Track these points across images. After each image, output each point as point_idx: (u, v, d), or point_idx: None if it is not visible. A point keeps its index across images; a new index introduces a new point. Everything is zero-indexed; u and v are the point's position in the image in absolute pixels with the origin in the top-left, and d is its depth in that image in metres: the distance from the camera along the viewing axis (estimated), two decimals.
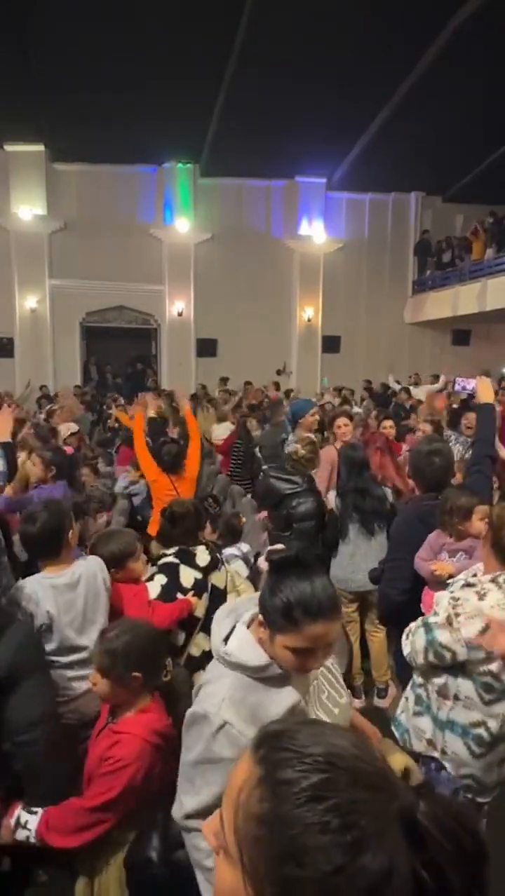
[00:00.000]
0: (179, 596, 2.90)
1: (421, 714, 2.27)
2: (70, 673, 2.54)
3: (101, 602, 2.63)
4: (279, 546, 2.57)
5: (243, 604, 1.61)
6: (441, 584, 3.31)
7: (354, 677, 4.06)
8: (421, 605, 3.17)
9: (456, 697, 2.15)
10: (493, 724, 2.11)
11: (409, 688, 2.43)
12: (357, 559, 4.04)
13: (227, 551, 3.93)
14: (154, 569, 3.03)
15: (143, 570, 2.96)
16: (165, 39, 9.86)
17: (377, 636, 4.13)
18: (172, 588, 2.92)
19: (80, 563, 2.71)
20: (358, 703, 3.92)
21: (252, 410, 8.91)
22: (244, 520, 4.53)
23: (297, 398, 9.12)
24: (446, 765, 2.19)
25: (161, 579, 2.95)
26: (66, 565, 2.63)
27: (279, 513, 4.28)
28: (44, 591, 2.52)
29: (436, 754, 2.21)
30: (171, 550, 3.08)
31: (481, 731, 2.12)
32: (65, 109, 11.99)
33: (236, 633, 1.51)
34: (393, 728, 2.43)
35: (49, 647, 2.51)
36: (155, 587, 2.91)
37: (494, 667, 2.06)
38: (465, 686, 2.13)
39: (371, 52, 10.03)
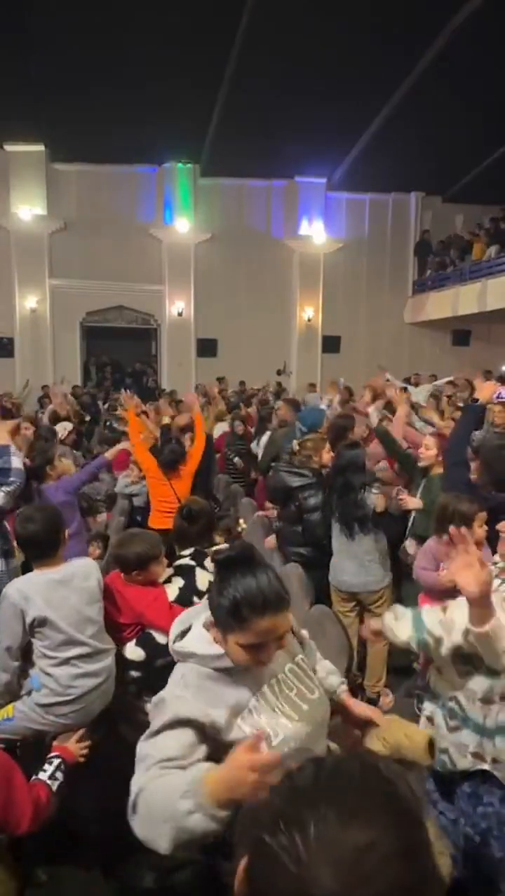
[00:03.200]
0: (195, 599, 2.84)
1: (459, 728, 2.12)
2: (73, 670, 2.55)
3: (96, 603, 2.65)
4: (223, 546, 2.59)
5: (200, 609, 1.64)
6: (442, 594, 3.32)
7: (354, 676, 3.94)
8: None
9: (502, 698, 2.05)
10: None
11: (427, 709, 2.29)
12: (342, 558, 4.05)
13: None
14: (170, 570, 3.02)
15: (162, 573, 2.96)
16: (165, 39, 9.87)
17: (377, 645, 3.99)
18: (189, 591, 2.88)
19: (74, 562, 2.74)
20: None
21: (231, 410, 8.91)
22: (243, 524, 4.55)
23: (292, 398, 9.07)
24: (497, 773, 2.07)
25: (178, 582, 2.94)
26: (60, 564, 2.68)
27: (289, 508, 4.33)
28: (35, 586, 2.56)
29: (486, 766, 2.07)
30: (187, 552, 3.07)
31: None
32: (65, 109, 11.98)
33: (192, 631, 1.56)
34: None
35: (48, 642, 2.54)
36: (173, 590, 2.89)
37: None
38: None
39: (371, 52, 10.04)
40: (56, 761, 2.16)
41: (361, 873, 0.57)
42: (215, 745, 1.43)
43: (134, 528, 5.05)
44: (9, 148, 14.82)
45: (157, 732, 1.38)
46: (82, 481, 4.64)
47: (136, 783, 1.30)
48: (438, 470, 3.96)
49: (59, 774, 2.12)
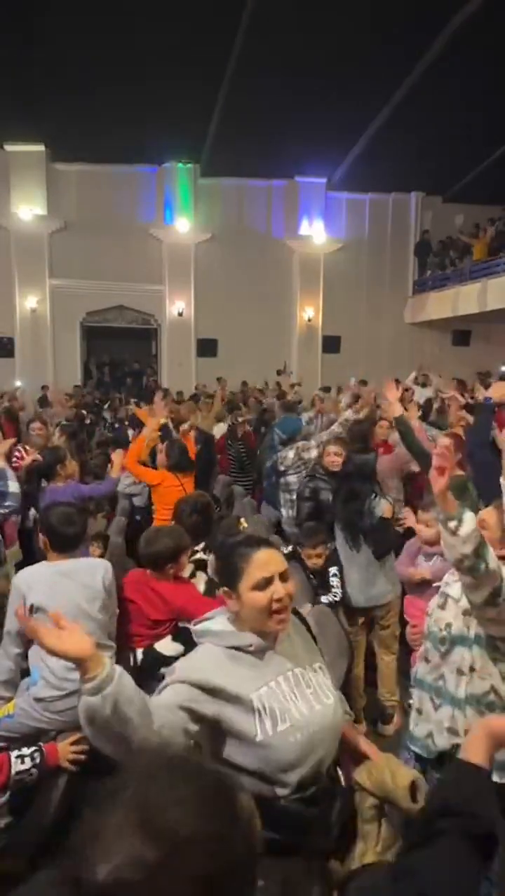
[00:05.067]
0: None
1: (442, 705, 2.23)
2: (69, 663, 2.56)
3: (98, 601, 2.66)
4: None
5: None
6: (420, 589, 3.38)
7: (356, 699, 3.79)
8: (405, 614, 3.25)
9: (472, 669, 2.15)
10: (502, 688, 2.12)
11: (416, 700, 2.38)
12: (347, 568, 3.86)
13: None
14: (190, 566, 3.06)
15: (186, 566, 3.01)
16: (165, 39, 9.87)
17: (386, 658, 3.95)
18: (215, 583, 2.90)
19: (83, 559, 2.81)
20: (361, 728, 3.72)
21: (230, 410, 8.90)
22: (244, 524, 4.55)
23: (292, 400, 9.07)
24: None
25: (203, 576, 2.99)
26: (69, 558, 2.75)
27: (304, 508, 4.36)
28: (39, 575, 2.66)
29: (459, 740, 2.13)
30: (199, 546, 3.11)
31: (492, 697, 2.13)
32: (65, 109, 11.99)
33: (213, 618, 1.70)
34: (409, 745, 2.36)
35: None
36: (200, 584, 2.94)
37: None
38: (477, 654, 2.15)
39: (371, 52, 10.03)
40: (34, 749, 2.20)
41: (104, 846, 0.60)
42: (212, 732, 1.47)
43: (134, 528, 5.07)
44: (9, 148, 14.83)
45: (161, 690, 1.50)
46: (92, 495, 4.64)
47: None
48: (457, 472, 3.94)
49: (28, 760, 2.14)
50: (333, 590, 3.72)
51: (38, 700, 2.57)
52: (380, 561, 3.85)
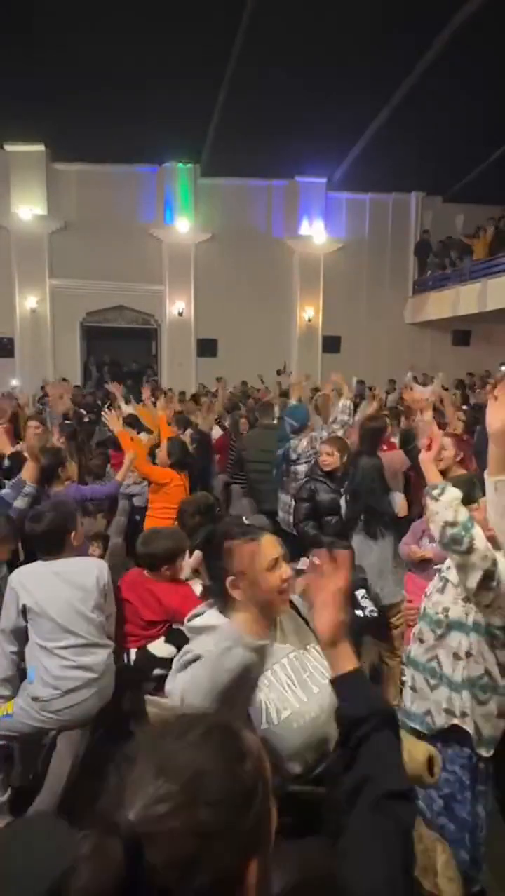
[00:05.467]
0: None
1: (438, 686, 2.31)
2: (64, 662, 2.58)
3: (92, 600, 2.67)
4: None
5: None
6: (421, 569, 3.44)
7: None
8: (404, 589, 3.31)
9: (468, 654, 2.22)
10: (495, 671, 2.21)
11: (409, 678, 2.47)
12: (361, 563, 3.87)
13: None
14: (189, 568, 3.06)
15: (184, 568, 3.01)
16: (166, 39, 9.87)
17: (391, 663, 3.95)
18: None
19: (77, 559, 2.79)
20: None
21: (230, 410, 8.90)
22: (247, 522, 4.53)
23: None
24: (465, 727, 2.22)
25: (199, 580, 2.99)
26: (66, 558, 2.74)
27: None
28: (33, 574, 2.66)
29: (456, 720, 2.25)
30: None
31: (486, 679, 2.22)
32: (65, 109, 11.98)
33: (205, 613, 1.70)
34: (405, 720, 2.40)
35: (39, 630, 2.60)
36: (197, 587, 2.93)
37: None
38: (474, 640, 2.22)
39: (371, 52, 10.03)
40: None
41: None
42: None
43: (134, 528, 5.07)
44: (9, 148, 14.83)
45: (185, 668, 1.49)
46: (93, 496, 4.64)
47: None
48: (459, 471, 3.93)
49: None
50: (367, 609, 3.50)
51: (35, 699, 2.57)
52: (394, 561, 3.86)
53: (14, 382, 13.82)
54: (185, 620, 1.73)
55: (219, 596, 1.66)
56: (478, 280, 14.09)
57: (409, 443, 4.66)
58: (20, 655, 2.67)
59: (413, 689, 2.43)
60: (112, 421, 5.21)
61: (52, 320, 15.76)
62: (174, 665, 1.58)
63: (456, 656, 2.25)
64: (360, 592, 3.54)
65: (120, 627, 2.89)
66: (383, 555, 3.83)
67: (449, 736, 2.28)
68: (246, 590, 1.61)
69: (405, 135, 12.42)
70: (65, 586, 2.63)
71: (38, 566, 2.73)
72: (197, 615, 1.71)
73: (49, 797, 2.59)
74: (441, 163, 14.36)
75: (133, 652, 2.80)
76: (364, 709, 1.15)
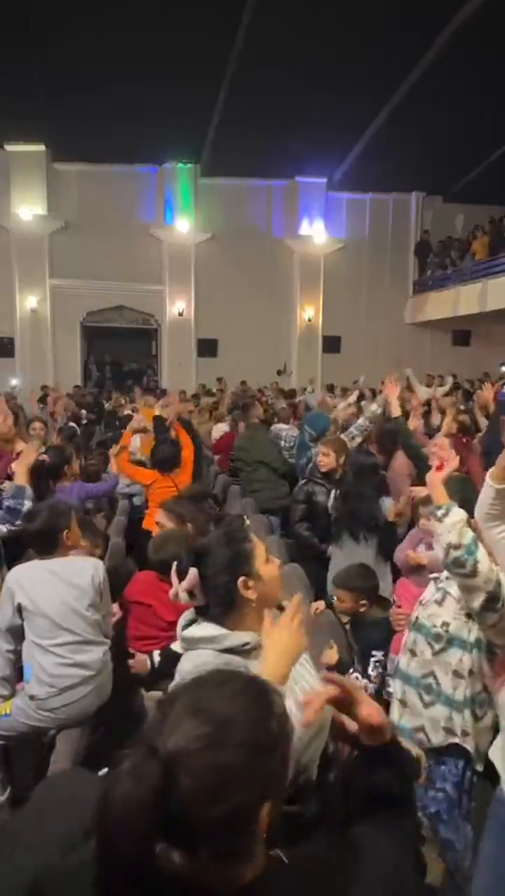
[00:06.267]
0: None
1: (434, 703, 2.25)
2: (60, 660, 2.59)
3: (87, 599, 2.68)
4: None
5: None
6: (415, 574, 3.42)
7: None
8: (394, 595, 3.29)
9: (471, 672, 2.18)
10: (490, 684, 2.17)
11: (398, 692, 2.39)
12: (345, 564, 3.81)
13: None
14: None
15: None
16: (165, 39, 9.87)
17: None
18: None
19: (74, 558, 2.81)
20: None
21: (231, 411, 8.88)
22: (248, 522, 4.52)
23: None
24: (466, 746, 2.18)
25: None
26: (62, 557, 2.76)
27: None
28: (29, 573, 2.68)
29: (456, 739, 2.20)
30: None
31: (483, 695, 2.19)
32: (65, 109, 11.99)
33: (197, 623, 1.65)
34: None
35: (35, 628, 2.60)
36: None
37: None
38: (476, 658, 2.18)
39: (371, 52, 10.03)
40: None
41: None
42: None
43: (133, 528, 5.07)
44: (9, 148, 14.83)
45: None
46: (97, 493, 4.68)
47: None
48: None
49: None
50: (372, 680, 2.92)
51: (32, 698, 2.58)
52: (377, 566, 3.77)
53: (14, 382, 13.83)
54: (179, 629, 1.67)
55: (222, 604, 1.60)
56: (478, 280, 14.10)
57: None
58: (17, 654, 2.68)
59: (403, 703, 2.36)
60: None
61: (53, 320, 15.76)
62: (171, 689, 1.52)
63: (457, 674, 2.20)
64: (377, 655, 2.98)
65: (137, 630, 2.94)
66: (367, 559, 3.74)
67: (442, 753, 2.23)
68: (257, 587, 1.61)
69: (405, 135, 12.42)
70: (60, 584, 2.64)
71: (34, 564, 2.75)
72: (189, 623, 1.66)
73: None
74: (441, 163, 14.37)
75: (157, 654, 2.81)
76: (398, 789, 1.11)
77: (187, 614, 1.70)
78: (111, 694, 2.79)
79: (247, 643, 1.57)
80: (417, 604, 2.47)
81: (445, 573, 2.34)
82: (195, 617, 1.67)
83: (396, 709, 2.39)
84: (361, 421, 5.27)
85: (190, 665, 1.55)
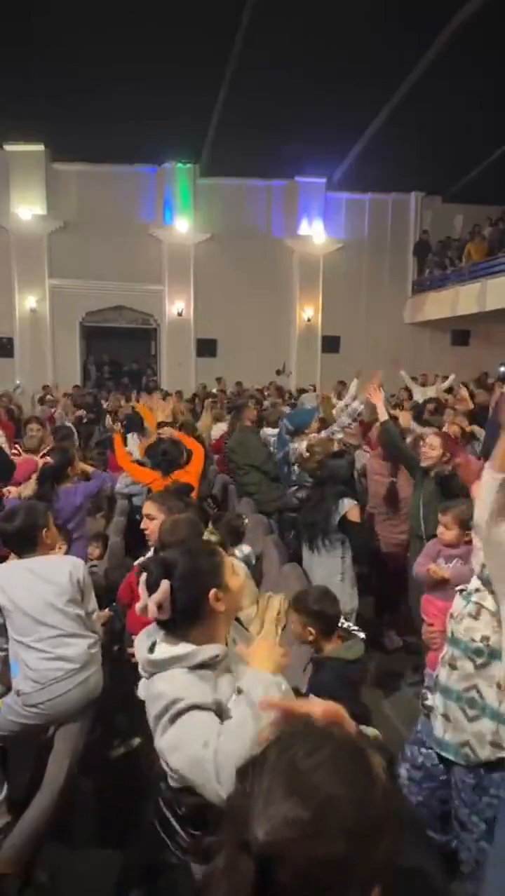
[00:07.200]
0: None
1: (479, 717, 2.19)
2: (42, 654, 2.60)
3: (66, 595, 2.70)
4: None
5: (154, 628, 1.66)
6: (439, 589, 3.36)
7: None
8: (422, 612, 3.18)
9: None
10: None
11: (440, 706, 2.31)
12: (310, 571, 3.81)
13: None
14: None
15: None
16: (165, 39, 9.86)
17: None
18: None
19: (52, 557, 2.85)
20: None
21: (230, 411, 8.88)
22: (246, 521, 4.52)
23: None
24: None
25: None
26: (42, 556, 2.80)
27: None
28: (7, 572, 2.72)
29: (503, 753, 2.15)
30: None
31: None
32: (64, 109, 11.98)
33: (159, 646, 1.60)
34: (435, 748, 2.33)
35: (15, 625, 2.63)
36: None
37: None
38: None
39: (371, 52, 10.03)
40: None
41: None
42: None
43: (133, 528, 5.06)
44: (9, 148, 14.82)
45: (174, 721, 1.44)
46: (99, 489, 4.70)
47: (203, 762, 1.36)
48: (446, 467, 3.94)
49: None
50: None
51: (19, 693, 2.59)
52: (341, 576, 3.69)
53: (18, 382, 13.82)
54: (143, 653, 1.61)
55: (189, 617, 1.56)
56: (477, 280, 14.09)
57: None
58: (4, 652, 2.72)
59: (446, 717, 2.28)
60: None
61: (52, 320, 15.75)
62: (154, 715, 1.48)
63: (502, 687, 2.13)
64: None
65: (128, 627, 2.97)
66: (329, 570, 3.68)
67: (493, 765, 2.18)
68: (226, 600, 1.60)
69: (405, 135, 12.42)
70: (38, 582, 2.67)
71: (12, 564, 2.79)
72: (154, 644, 1.60)
73: (48, 795, 2.59)
74: (441, 163, 14.37)
75: None
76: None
77: (144, 636, 1.65)
78: (110, 694, 2.79)
79: (216, 655, 1.54)
80: (448, 618, 2.38)
81: (473, 584, 2.27)
82: (154, 638, 1.62)
83: (439, 724, 2.32)
84: (343, 418, 5.29)
85: (166, 686, 1.50)
